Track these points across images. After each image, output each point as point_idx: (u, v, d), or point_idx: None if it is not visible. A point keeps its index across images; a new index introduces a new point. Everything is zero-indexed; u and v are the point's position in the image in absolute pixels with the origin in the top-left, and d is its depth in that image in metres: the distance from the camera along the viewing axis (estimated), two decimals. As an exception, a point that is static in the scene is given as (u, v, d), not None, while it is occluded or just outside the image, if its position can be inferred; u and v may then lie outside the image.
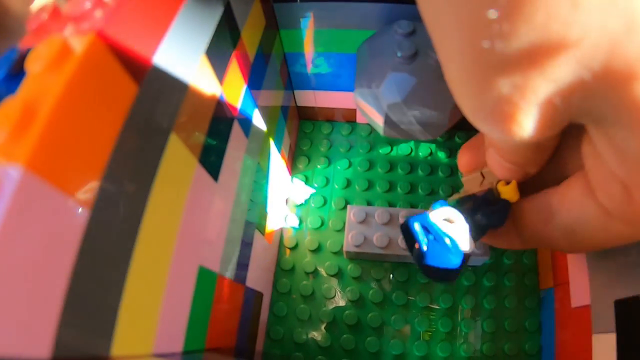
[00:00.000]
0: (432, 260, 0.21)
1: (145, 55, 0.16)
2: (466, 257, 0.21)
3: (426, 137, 0.32)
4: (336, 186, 0.41)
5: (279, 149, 0.37)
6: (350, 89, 0.39)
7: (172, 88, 0.18)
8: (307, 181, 0.41)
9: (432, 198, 0.40)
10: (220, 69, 0.23)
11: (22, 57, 0.14)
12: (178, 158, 0.19)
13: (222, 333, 0.27)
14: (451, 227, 0.21)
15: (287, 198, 0.40)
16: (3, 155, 0.11)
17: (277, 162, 0.37)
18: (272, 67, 0.34)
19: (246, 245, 0.31)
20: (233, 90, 0.26)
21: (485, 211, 0.23)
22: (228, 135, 0.25)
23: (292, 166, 0.42)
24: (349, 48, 0.35)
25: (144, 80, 0.16)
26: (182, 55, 0.19)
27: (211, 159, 0.23)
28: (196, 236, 0.22)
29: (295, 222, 0.39)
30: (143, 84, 0.16)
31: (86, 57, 0.13)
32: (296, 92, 0.41)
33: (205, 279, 0.23)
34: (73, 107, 0.13)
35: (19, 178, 0.11)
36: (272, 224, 0.37)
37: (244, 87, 0.28)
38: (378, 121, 0.32)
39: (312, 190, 0.41)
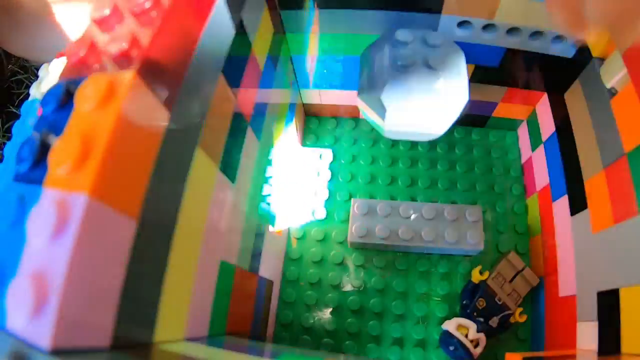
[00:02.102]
0: (455, 357, 0.35)
1: (174, 84, 0.18)
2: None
3: (426, 139, 0.35)
4: (340, 179, 0.43)
5: (286, 146, 0.40)
6: (354, 87, 0.41)
7: (196, 109, 0.21)
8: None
9: (431, 191, 0.42)
10: (235, 82, 0.26)
11: (67, 90, 0.16)
12: (202, 167, 0.22)
13: (240, 318, 0.30)
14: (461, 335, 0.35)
15: (297, 190, 0.43)
16: (69, 185, 0.14)
17: (285, 158, 0.40)
18: (280, 70, 0.36)
19: (259, 237, 0.33)
20: (246, 99, 0.28)
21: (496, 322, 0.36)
22: (243, 141, 0.28)
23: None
24: (353, 51, 0.37)
25: (174, 106, 0.18)
26: (204, 78, 0.21)
27: (229, 165, 0.26)
28: (218, 234, 0.25)
29: (304, 213, 0.42)
30: (173, 109, 0.18)
31: (129, 93, 0.15)
32: (302, 90, 0.43)
33: (226, 271, 0.26)
34: (122, 139, 0.15)
35: (85, 204, 0.13)
36: (282, 216, 0.39)
37: (256, 93, 0.30)
38: (380, 124, 0.34)
39: (320, 182, 0.43)
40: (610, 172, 0.30)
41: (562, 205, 0.36)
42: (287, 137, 0.40)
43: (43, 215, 0.13)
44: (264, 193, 0.34)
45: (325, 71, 0.40)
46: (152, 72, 0.17)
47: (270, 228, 0.36)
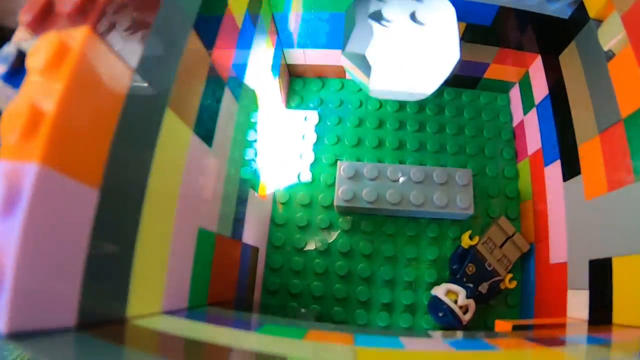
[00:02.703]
0: (444, 323, 0.36)
1: (137, 41, 0.17)
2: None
3: (414, 98, 0.33)
4: (326, 142, 0.42)
5: (270, 108, 0.38)
6: (340, 46, 0.39)
7: (164, 68, 0.19)
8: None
9: (420, 154, 0.41)
10: (209, 40, 0.24)
11: (21, 53, 0.15)
12: (174, 130, 0.20)
13: (223, 287, 0.29)
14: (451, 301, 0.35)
15: (282, 153, 0.42)
16: (19, 155, 0.12)
17: (268, 120, 0.38)
18: (261, 29, 0.34)
19: (241, 203, 0.32)
20: (223, 58, 0.26)
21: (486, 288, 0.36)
22: (220, 103, 0.26)
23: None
24: (338, 7, 0.35)
25: (138, 65, 0.17)
26: (172, 34, 0.19)
27: (204, 128, 0.24)
28: (195, 200, 0.23)
29: (289, 177, 0.41)
30: (137, 68, 0.17)
31: (83, 51, 0.14)
32: (285, 51, 0.41)
33: (205, 239, 0.25)
34: (76, 102, 0.14)
35: (36, 174, 0.12)
36: (266, 180, 0.38)
37: (233, 53, 0.28)
38: (366, 83, 0.33)
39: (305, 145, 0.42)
40: (606, 138, 0.29)
41: (554, 170, 0.35)
42: (270, 99, 0.38)
43: (-9, 189, 0.12)
44: (247, 157, 0.33)
45: (309, 29, 0.38)
46: (111, 27, 0.15)
47: (254, 193, 0.35)
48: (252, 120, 0.34)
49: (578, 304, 0.31)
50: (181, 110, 0.21)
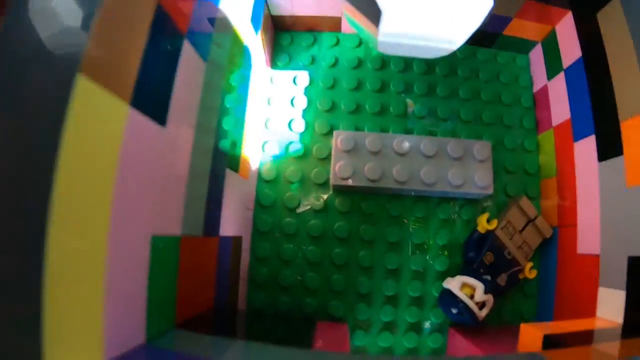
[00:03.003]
0: (457, 320, 0.31)
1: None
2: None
3: (432, 55, 0.27)
4: (319, 107, 0.35)
5: (250, 68, 0.31)
6: (336, -8, 0.33)
7: (68, 14, 0.12)
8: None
9: (429, 122, 0.35)
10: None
11: None
12: (95, 107, 0.13)
13: (196, 299, 0.23)
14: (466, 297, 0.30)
15: (266, 121, 0.35)
16: None
17: (249, 83, 0.31)
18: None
19: (216, 189, 0.26)
20: (179, 2, 0.19)
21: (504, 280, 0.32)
22: (176, 62, 0.19)
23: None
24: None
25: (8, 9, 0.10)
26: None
27: (151, 98, 0.17)
28: (140, 201, 0.17)
29: (275, 149, 0.34)
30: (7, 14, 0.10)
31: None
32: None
33: (163, 248, 0.19)
34: None
35: None
36: (248, 155, 0.32)
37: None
38: (373, 33, 0.26)
39: (294, 111, 0.35)
40: None
41: (587, 146, 0.30)
42: (250, 57, 0.31)
43: None
44: (219, 132, 0.26)
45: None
46: None
47: (232, 173, 0.29)
48: (226, 83, 0.27)
49: (611, 304, 0.26)
50: (107, 76, 0.14)
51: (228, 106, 0.27)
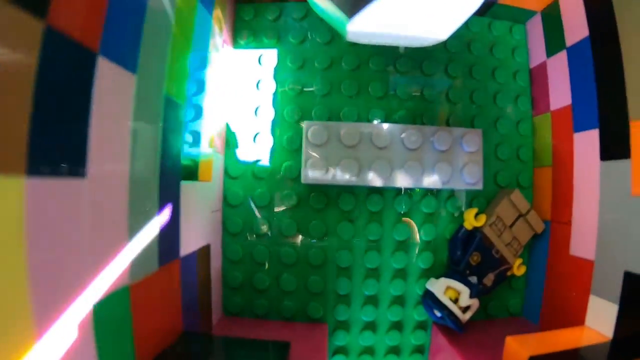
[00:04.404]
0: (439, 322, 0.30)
1: None
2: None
3: (416, 44, 0.23)
4: (287, 90, 0.31)
5: (206, 50, 0.27)
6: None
7: None
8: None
9: (412, 104, 0.31)
10: None
11: None
12: None
13: (159, 337, 0.21)
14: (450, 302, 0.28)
15: (230, 110, 0.31)
16: None
17: (207, 66, 0.27)
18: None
19: (170, 214, 0.23)
20: None
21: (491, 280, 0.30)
22: (88, 90, 0.16)
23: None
24: None
25: None
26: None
27: (57, 151, 0.14)
28: (70, 270, 0.14)
29: (244, 145, 0.31)
30: None
31: None
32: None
33: (109, 310, 0.17)
34: None
35: None
36: (208, 154, 0.29)
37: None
38: (342, 19, 0.22)
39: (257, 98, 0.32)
40: None
41: (589, 140, 0.27)
42: (203, 39, 0.27)
43: None
44: (168, 146, 0.23)
45: None
46: None
47: (189, 184, 0.26)
48: (170, 84, 0.23)
49: (602, 316, 0.25)
50: None
51: (175, 112, 0.23)
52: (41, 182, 0.13)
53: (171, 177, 0.23)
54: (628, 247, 0.23)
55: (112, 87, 0.17)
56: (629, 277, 0.23)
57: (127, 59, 0.18)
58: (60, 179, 0.14)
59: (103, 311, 0.16)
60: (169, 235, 0.23)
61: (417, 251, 0.31)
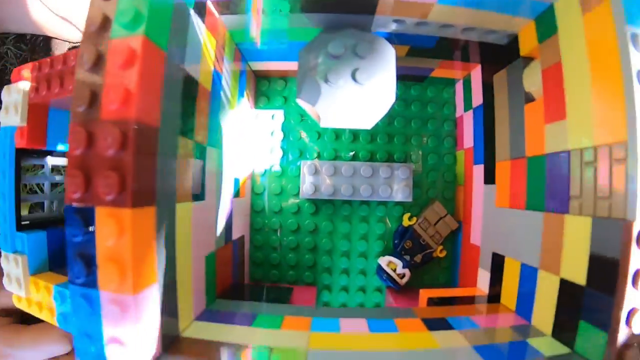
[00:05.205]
0: (386, 284, 0.47)
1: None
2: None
3: (359, 127, 0.40)
4: (291, 138, 0.49)
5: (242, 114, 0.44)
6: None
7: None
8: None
9: (371, 145, 0.48)
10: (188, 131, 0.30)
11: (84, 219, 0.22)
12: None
13: (224, 280, 0.39)
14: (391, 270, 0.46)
15: (254, 152, 0.49)
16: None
17: (241, 126, 0.44)
18: (226, 74, 0.38)
19: (229, 217, 0.41)
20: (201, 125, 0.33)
21: (420, 258, 0.47)
22: (203, 169, 0.33)
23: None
24: (298, 37, 0.38)
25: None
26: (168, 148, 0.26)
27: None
28: (203, 233, 0.33)
29: (262, 171, 0.49)
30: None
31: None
32: (250, 63, 0.45)
33: (210, 260, 0.35)
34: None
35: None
36: (243, 180, 0.46)
37: (208, 111, 0.34)
38: (317, 121, 0.38)
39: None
40: (515, 165, 0.36)
41: (479, 171, 0.43)
42: (240, 109, 0.44)
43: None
44: (235, 182, 0.40)
45: (270, 51, 0.42)
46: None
47: (237, 199, 0.43)
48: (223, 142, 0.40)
49: (483, 280, 0.41)
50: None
51: (229, 162, 0.41)
52: (195, 204, 0.31)
53: (233, 198, 0.41)
54: (494, 237, 0.39)
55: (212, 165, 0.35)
56: (495, 255, 0.39)
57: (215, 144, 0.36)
58: (199, 203, 0.32)
59: (208, 260, 0.34)
60: (228, 228, 0.41)
61: (374, 240, 0.48)
